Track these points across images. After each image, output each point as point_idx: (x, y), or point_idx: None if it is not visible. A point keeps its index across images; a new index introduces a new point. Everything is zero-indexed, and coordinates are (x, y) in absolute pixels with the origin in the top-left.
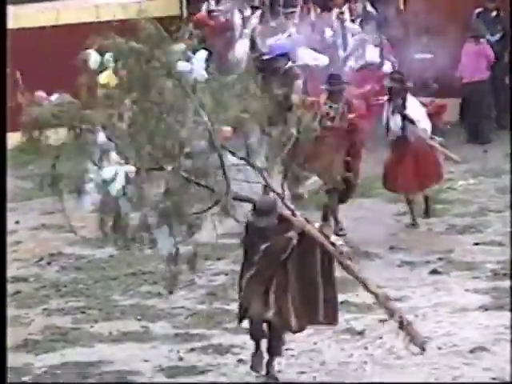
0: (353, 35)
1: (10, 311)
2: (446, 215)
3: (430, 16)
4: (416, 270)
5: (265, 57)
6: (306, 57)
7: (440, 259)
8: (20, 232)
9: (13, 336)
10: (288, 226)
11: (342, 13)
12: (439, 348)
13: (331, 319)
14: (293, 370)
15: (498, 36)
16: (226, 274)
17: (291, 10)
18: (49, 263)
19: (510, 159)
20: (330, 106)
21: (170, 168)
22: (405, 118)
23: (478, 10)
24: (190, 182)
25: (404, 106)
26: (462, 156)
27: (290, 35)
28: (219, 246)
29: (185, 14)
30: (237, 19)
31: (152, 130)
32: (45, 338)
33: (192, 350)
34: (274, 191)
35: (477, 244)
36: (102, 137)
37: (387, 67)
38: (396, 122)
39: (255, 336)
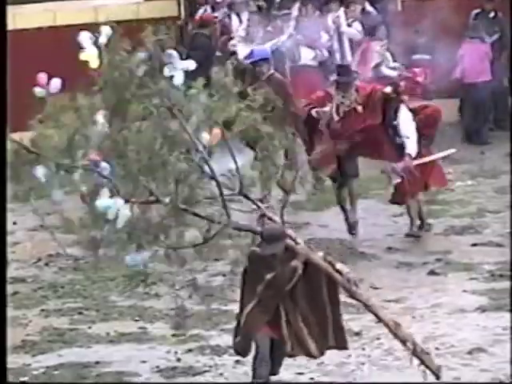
0: (350, 39)
1: (8, 312)
2: (444, 216)
3: (427, 17)
4: (414, 271)
5: (246, 61)
6: (306, 56)
7: (438, 260)
8: (17, 233)
9: (11, 337)
10: (292, 254)
11: (337, 17)
12: (437, 349)
13: (342, 343)
14: (291, 371)
15: (495, 37)
16: (224, 275)
17: (286, 11)
18: (46, 264)
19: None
20: (343, 97)
21: (167, 200)
22: (394, 129)
23: (476, 11)
24: (186, 213)
25: (395, 117)
26: (460, 157)
27: (290, 35)
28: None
29: (183, 16)
30: (235, 24)
31: (144, 161)
32: (42, 338)
33: (189, 350)
34: (272, 220)
35: (475, 245)
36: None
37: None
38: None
39: (263, 362)
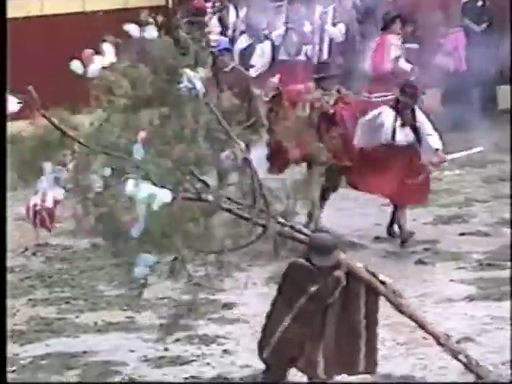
0: (331, 39)
1: None
2: (432, 206)
3: (416, 6)
4: (401, 261)
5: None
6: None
7: (426, 249)
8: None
9: None
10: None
11: (325, 13)
12: (424, 338)
13: (372, 368)
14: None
15: (483, 26)
16: (211, 264)
17: (279, 3)
18: (34, 254)
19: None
20: (323, 95)
21: (210, 198)
22: (416, 130)
23: (464, 0)
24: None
25: (414, 118)
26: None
27: (287, 29)
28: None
29: (170, 5)
30: (232, 17)
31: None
32: (30, 328)
33: (177, 340)
34: (304, 234)
35: (463, 234)
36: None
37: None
38: (407, 134)
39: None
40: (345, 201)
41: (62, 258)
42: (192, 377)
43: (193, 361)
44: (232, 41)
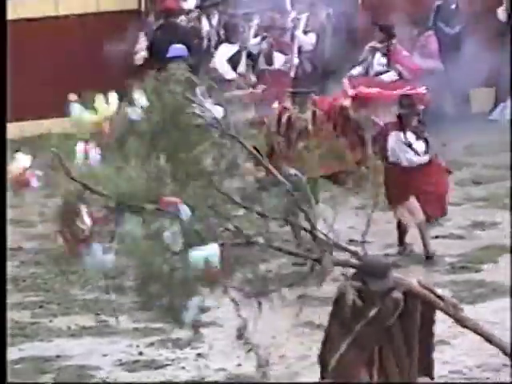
0: (300, 47)
1: None
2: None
3: (389, 9)
4: None
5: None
6: (279, 61)
7: (399, 253)
8: None
9: None
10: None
11: (297, 19)
12: None
13: (429, 371)
14: (251, 364)
15: (457, 28)
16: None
17: (249, 10)
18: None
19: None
20: (299, 111)
21: (261, 240)
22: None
23: (438, 3)
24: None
25: (423, 130)
26: None
27: (263, 37)
28: None
29: (143, 8)
30: (205, 26)
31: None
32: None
33: (151, 344)
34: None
35: (436, 237)
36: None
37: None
38: (419, 147)
39: None
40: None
41: (36, 262)
42: (167, 381)
43: (167, 365)
44: (207, 50)
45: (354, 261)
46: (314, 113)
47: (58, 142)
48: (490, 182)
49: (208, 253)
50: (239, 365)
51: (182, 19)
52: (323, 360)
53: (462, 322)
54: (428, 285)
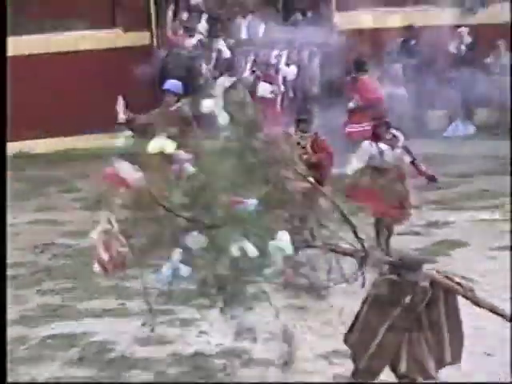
0: (284, 77)
1: (10, 292)
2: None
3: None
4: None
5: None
6: (264, 89)
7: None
8: (19, 226)
9: (12, 312)
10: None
11: (279, 55)
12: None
13: (457, 357)
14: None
15: (416, 59)
16: None
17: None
18: (42, 251)
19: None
20: (301, 136)
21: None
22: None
23: (401, 39)
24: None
25: (396, 138)
26: None
27: (252, 72)
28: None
29: (155, 44)
30: (207, 60)
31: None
32: (38, 314)
33: (162, 323)
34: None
35: (398, 234)
36: None
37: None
38: (395, 155)
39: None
40: None
41: (66, 255)
42: (173, 353)
43: (175, 340)
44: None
45: (388, 258)
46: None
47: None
48: (445, 188)
49: (283, 243)
50: (235, 340)
51: (185, 52)
52: (357, 346)
53: (478, 303)
54: (447, 273)
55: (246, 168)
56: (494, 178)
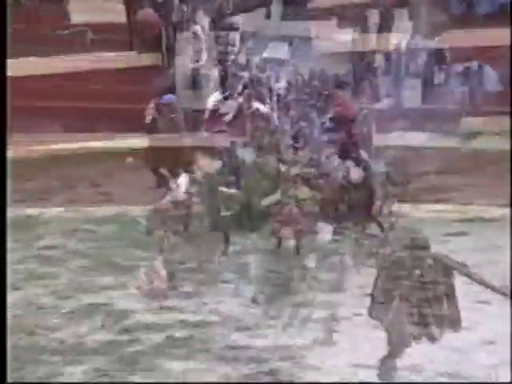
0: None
1: (44, 269)
2: None
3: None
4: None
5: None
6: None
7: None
8: (51, 214)
9: (45, 288)
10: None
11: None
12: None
13: (457, 326)
14: (238, 308)
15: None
16: None
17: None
18: (71, 236)
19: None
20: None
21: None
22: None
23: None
24: None
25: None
26: None
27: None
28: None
29: (165, 64)
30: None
31: None
32: (67, 287)
33: (171, 295)
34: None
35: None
36: None
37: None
38: (359, 173)
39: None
40: None
41: (91, 239)
42: (181, 320)
43: (181, 310)
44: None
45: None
46: None
47: None
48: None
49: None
50: (230, 310)
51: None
52: (380, 313)
53: (470, 276)
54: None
55: None
56: None
